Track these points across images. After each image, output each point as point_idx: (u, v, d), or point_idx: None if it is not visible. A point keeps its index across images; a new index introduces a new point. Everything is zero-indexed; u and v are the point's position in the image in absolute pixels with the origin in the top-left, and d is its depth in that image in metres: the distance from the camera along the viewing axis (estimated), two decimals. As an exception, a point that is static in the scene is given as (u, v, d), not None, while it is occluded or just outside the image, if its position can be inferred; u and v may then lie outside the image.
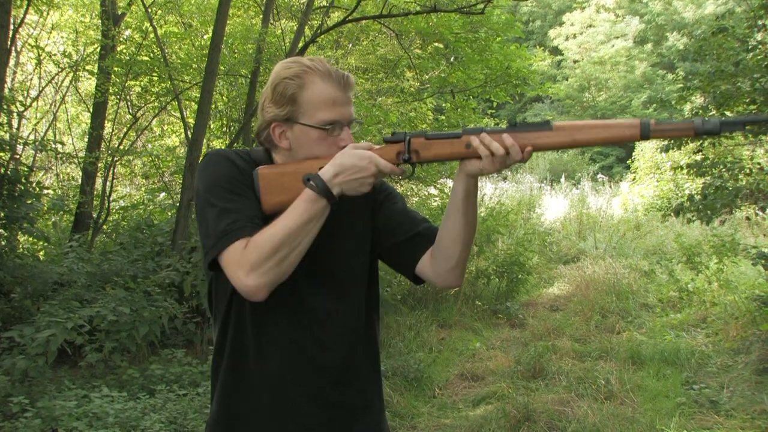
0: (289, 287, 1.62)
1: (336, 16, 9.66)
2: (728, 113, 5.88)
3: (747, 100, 5.64)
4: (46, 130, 8.34)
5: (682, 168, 6.29)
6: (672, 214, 5.99)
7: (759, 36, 5.67)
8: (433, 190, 10.21)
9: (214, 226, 1.58)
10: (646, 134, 1.55)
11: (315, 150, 1.67)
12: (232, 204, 1.60)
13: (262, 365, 1.70)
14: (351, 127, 1.71)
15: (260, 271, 1.52)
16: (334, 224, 1.66)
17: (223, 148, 1.77)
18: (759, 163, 6.20)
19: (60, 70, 8.00)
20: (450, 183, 10.08)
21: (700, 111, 5.92)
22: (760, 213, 5.88)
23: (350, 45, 10.65)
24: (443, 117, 10.83)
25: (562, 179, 19.64)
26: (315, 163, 1.66)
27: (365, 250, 1.83)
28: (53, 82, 8.41)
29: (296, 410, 1.71)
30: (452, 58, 10.29)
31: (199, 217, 1.65)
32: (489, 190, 13.33)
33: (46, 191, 6.23)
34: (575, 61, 34.16)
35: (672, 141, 6.16)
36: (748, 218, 6.80)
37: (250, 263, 1.52)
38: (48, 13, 8.54)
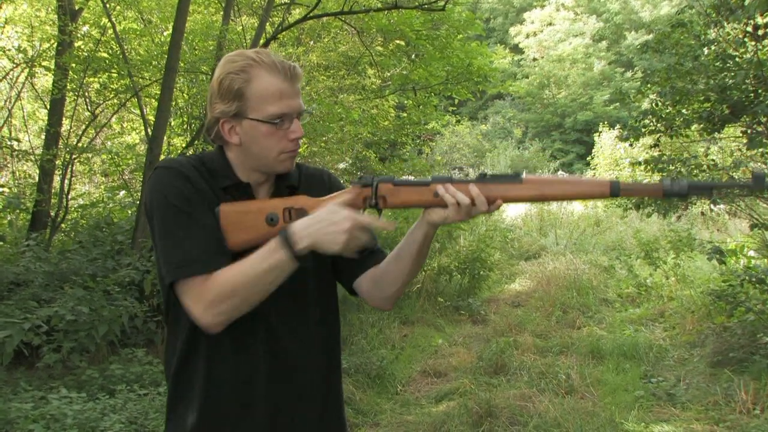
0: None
1: (297, 12, 9.62)
2: (683, 111, 5.99)
3: (701, 98, 5.75)
4: (1, 127, 8.17)
5: (639, 164, 6.39)
6: (633, 207, 6.09)
7: (713, 34, 5.78)
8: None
9: (169, 253, 1.56)
10: (615, 193, 1.57)
11: (266, 144, 1.64)
12: (187, 231, 1.58)
13: (236, 369, 1.67)
14: (300, 119, 1.68)
15: (217, 310, 1.52)
16: None
17: (174, 157, 1.69)
18: (713, 160, 6.33)
19: (15, 65, 7.84)
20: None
21: (656, 105, 6.01)
22: (714, 208, 5.99)
23: (312, 42, 10.61)
24: (405, 114, 10.87)
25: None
26: (279, 202, 1.65)
27: (329, 272, 1.82)
28: (7, 78, 8.24)
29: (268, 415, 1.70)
30: (414, 56, 10.30)
31: (154, 237, 1.61)
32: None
33: (1, 189, 6.11)
34: (535, 59, 34.49)
35: (631, 132, 6.26)
36: (703, 213, 6.94)
37: (209, 300, 1.52)
38: (1, 8, 8.36)
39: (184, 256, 1.55)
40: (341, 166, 10.66)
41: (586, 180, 1.62)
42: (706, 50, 5.78)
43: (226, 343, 1.66)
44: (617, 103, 28.00)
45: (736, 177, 5.58)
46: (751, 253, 6.96)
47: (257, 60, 1.62)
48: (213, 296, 1.52)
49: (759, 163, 5.99)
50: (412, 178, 1.67)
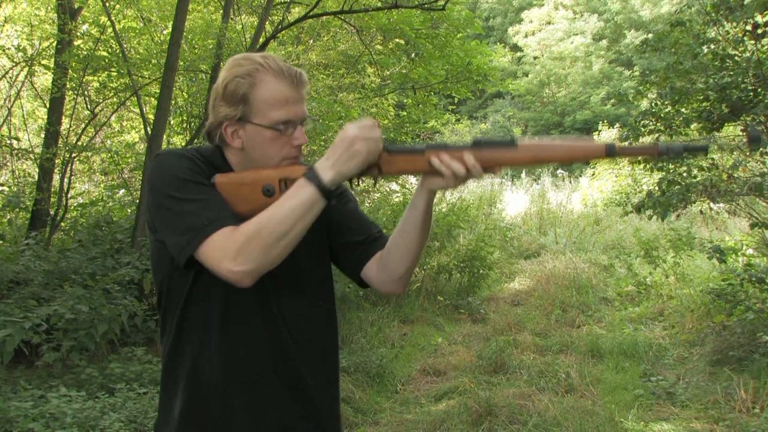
0: (256, 287, 1.59)
1: (297, 11, 9.62)
2: (683, 110, 5.99)
3: (700, 97, 5.74)
4: (0, 126, 8.16)
5: (639, 162, 6.39)
6: (633, 210, 6.09)
7: (712, 33, 5.78)
8: (395, 186, 10.23)
9: (192, 219, 1.54)
10: (611, 153, 1.57)
11: (268, 149, 1.64)
12: (207, 195, 1.57)
13: (228, 365, 1.67)
14: (304, 125, 1.68)
15: (247, 255, 1.49)
16: None
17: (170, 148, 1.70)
18: (713, 159, 6.32)
19: (14, 64, 7.84)
20: (412, 179, 10.11)
21: (656, 104, 6.00)
22: (714, 207, 5.99)
23: (311, 41, 10.61)
24: (404, 113, 10.87)
25: (523, 175, 19.79)
26: (274, 173, 1.64)
27: (325, 250, 1.82)
28: (7, 76, 8.24)
29: (267, 407, 1.70)
30: (413, 55, 10.30)
31: (166, 215, 1.58)
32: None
33: (1, 188, 6.11)
34: (535, 58, 34.48)
35: (630, 133, 6.25)
36: (701, 212, 6.93)
37: (237, 247, 1.49)
38: (1, 6, 8.35)
39: (210, 214, 1.54)
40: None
41: (581, 142, 1.61)
42: (705, 49, 5.77)
43: (213, 329, 1.67)
44: (613, 100, 28.07)
45: (736, 176, 5.57)
46: (750, 251, 6.96)
47: (264, 65, 1.62)
48: (243, 240, 1.50)
49: (758, 162, 6.00)
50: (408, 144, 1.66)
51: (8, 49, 7.81)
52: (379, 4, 8.35)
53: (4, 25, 8.66)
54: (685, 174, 5.73)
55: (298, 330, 1.73)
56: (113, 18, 7.69)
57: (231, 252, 1.49)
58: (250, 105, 1.61)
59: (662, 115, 5.96)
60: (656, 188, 5.84)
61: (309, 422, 1.76)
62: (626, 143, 1.62)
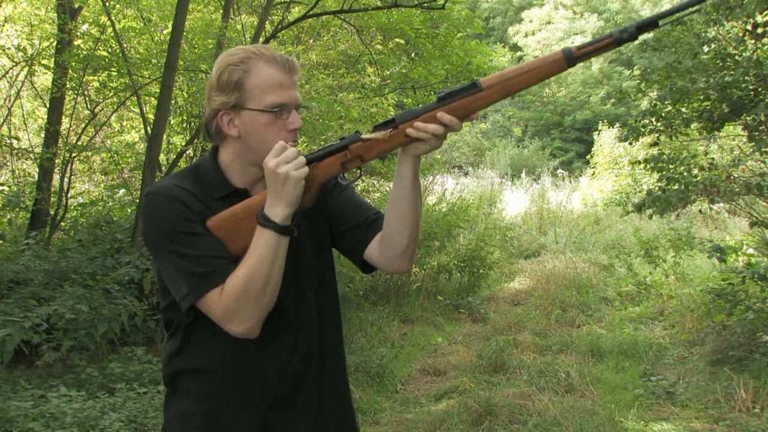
0: None
1: (297, 11, 9.61)
2: (683, 109, 5.98)
3: (701, 97, 5.74)
4: (0, 125, 8.16)
5: (639, 162, 6.39)
6: (634, 210, 6.09)
7: (712, 32, 5.77)
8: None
9: (187, 276, 1.58)
10: (571, 60, 1.58)
11: (264, 134, 1.65)
12: (193, 249, 1.59)
13: (234, 371, 1.69)
14: (299, 112, 1.70)
15: (243, 316, 1.55)
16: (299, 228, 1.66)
17: (161, 182, 1.70)
18: (713, 158, 6.33)
19: (14, 64, 7.83)
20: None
21: (657, 104, 6.00)
22: (714, 207, 5.99)
23: (311, 40, 10.61)
24: (405, 113, 10.83)
25: (523, 174, 19.82)
26: (262, 198, 1.65)
27: (330, 249, 1.85)
28: (7, 76, 8.24)
29: (275, 410, 1.71)
30: (413, 54, 10.29)
31: (160, 264, 1.64)
32: (450, 185, 13.40)
33: (1, 188, 6.10)
34: (535, 57, 34.46)
35: (630, 133, 6.24)
36: (701, 211, 6.93)
37: (232, 312, 1.55)
38: (1, 6, 8.35)
39: (197, 274, 1.58)
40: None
41: (540, 60, 1.61)
42: (705, 48, 5.77)
43: (219, 339, 1.67)
44: (613, 100, 28.07)
45: (736, 175, 5.58)
46: (750, 250, 6.96)
47: (256, 53, 1.65)
48: (233, 304, 1.55)
49: (758, 162, 6.00)
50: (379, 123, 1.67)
51: (8, 48, 7.80)
52: (379, 4, 8.34)
53: (4, 25, 8.65)
54: (685, 173, 5.72)
55: (305, 332, 1.75)
56: (113, 18, 7.68)
57: (227, 317, 1.56)
58: (245, 91, 1.63)
59: (663, 114, 5.96)
60: (656, 187, 5.84)
61: (319, 423, 1.77)
62: (586, 47, 1.61)
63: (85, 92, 8.33)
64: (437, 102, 1.62)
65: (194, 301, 1.57)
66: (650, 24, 1.58)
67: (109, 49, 7.81)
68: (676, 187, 5.52)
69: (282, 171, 1.55)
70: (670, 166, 5.85)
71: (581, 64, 1.82)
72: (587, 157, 20.44)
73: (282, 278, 1.61)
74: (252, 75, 1.63)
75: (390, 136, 1.63)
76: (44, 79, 9.04)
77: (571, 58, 1.57)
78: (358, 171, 1.72)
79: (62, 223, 7.33)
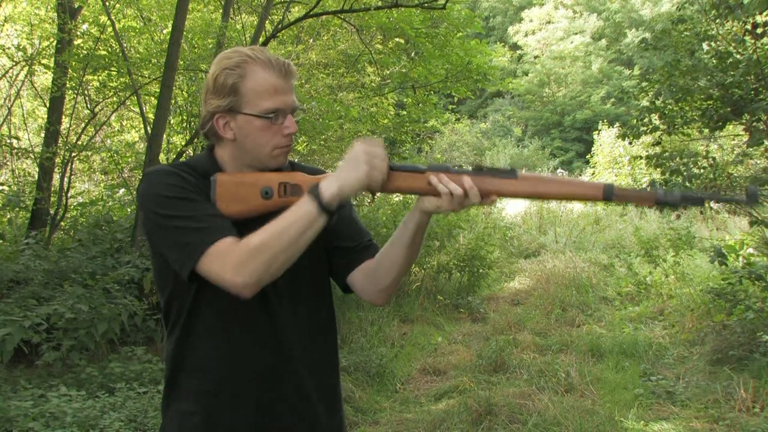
0: (259, 293, 1.59)
1: (297, 11, 9.62)
2: (685, 108, 5.98)
3: (703, 96, 5.74)
4: (0, 125, 8.16)
5: (640, 158, 6.39)
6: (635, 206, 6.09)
7: (713, 31, 5.77)
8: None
9: (188, 235, 1.56)
10: (608, 197, 1.59)
11: (259, 138, 1.65)
12: (192, 211, 1.58)
13: (231, 371, 1.69)
14: (295, 115, 1.70)
15: (249, 269, 1.51)
16: None
17: (158, 165, 1.71)
18: (713, 158, 6.33)
19: (14, 63, 7.84)
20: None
21: (657, 101, 6.00)
22: (714, 206, 6.00)
23: (311, 40, 10.61)
24: (404, 112, 10.86)
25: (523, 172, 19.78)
26: (275, 176, 1.66)
27: (325, 254, 1.83)
28: (7, 76, 8.24)
29: (270, 410, 1.71)
30: (413, 54, 10.30)
31: (161, 234, 1.61)
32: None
33: (1, 187, 6.10)
34: (535, 57, 34.50)
35: (631, 131, 6.25)
36: (701, 211, 6.93)
37: (240, 261, 1.51)
38: (0, 6, 8.36)
39: (206, 227, 1.56)
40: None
41: (580, 182, 1.63)
42: (705, 46, 5.77)
43: (217, 336, 1.69)
44: (613, 99, 28.09)
45: (736, 174, 5.58)
46: (750, 250, 6.96)
47: (252, 56, 1.65)
48: (245, 255, 1.51)
49: (758, 161, 6.00)
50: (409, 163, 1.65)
51: (8, 48, 7.81)
52: (379, 3, 8.34)
53: (4, 25, 8.66)
54: (690, 165, 5.72)
55: (299, 334, 1.75)
56: (113, 17, 7.68)
57: (232, 265, 1.51)
58: (240, 95, 1.63)
59: (666, 111, 5.96)
60: (660, 180, 5.84)
61: (311, 424, 1.77)
62: (626, 192, 1.64)
63: (85, 92, 8.33)
64: (472, 170, 1.63)
65: (198, 257, 1.54)
66: (695, 199, 1.59)
67: (109, 49, 7.81)
68: (680, 179, 5.52)
69: (363, 158, 1.55)
70: (670, 162, 5.85)
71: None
72: (587, 156, 20.45)
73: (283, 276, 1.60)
74: (248, 79, 1.63)
75: (414, 177, 1.63)
76: (44, 78, 9.05)
77: (609, 195, 1.58)
78: (372, 196, 1.72)
79: (62, 223, 7.33)
